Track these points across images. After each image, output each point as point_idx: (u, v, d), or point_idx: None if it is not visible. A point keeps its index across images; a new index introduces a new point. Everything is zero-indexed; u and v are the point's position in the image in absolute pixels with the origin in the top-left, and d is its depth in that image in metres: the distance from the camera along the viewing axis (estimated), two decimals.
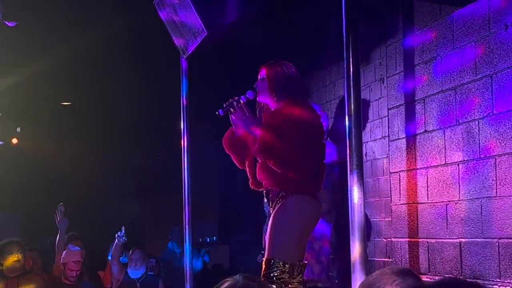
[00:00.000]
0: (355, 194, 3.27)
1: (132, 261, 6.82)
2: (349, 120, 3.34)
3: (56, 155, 9.80)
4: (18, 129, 10.30)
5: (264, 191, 4.21)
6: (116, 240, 6.52)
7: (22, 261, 5.81)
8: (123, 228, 6.52)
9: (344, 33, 3.44)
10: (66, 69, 8.11)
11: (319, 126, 4.14)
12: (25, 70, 7.91)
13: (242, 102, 4.17)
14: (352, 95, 3.35)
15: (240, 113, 4.10)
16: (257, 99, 4.27)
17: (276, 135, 3.93)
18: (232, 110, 4.16)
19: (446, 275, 4.14)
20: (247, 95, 4.22)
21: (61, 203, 6.32)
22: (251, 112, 4.20)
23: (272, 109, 4.21)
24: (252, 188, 4.34)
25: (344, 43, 3.45)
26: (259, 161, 4.14)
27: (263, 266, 3.95)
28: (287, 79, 4.17)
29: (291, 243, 3.95)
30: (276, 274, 3.88)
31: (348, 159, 3.26)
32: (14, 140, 10.30)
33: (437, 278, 4.25)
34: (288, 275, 3.89)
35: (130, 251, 6.98)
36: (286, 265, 3.89)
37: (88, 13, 6.91)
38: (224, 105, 4.19)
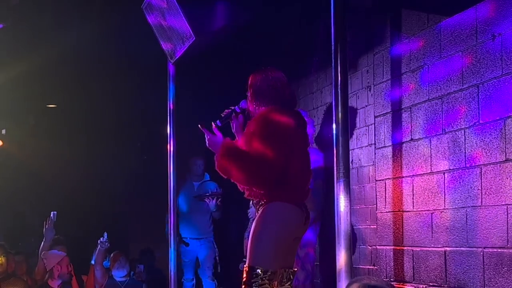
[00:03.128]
0: (342, 202, 3.27)
1: (115, 266, 6.79)
2: (336, 127, 3.33)
3: (41, 157, 9.72)
4: (3, 131, 10.22)
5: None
6: (99, 246, 6.49)
7: (5, 265, 5.78)
8: (105, 234, 6.49)
9: (332, 40, 3.44)
10: (52, 71, 8.06)
11: (296, 132, 4.01)
12: (10, 72, 7.85)
13: (236, 112, 4.15)
14: (339, 102, 3.35)
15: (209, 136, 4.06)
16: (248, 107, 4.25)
17: (248, 148, 3.89)
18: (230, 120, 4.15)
19: (431, 284, 4.15)
20: (241, 105, 4.19)
21: (55, 212, 6.28)
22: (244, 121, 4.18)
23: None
24: (245, 194, 4.30)
25: (333, 50, 3.45)
26: None
27: (244, 274, 3.93)
28: (267, 86, 4.09)
29: (270, 250, 3.90)
30: (257, 282, 3.86)
31: (335, 167, 3.25)
32: None
33: (421, 286, 4.26)
34: (268, 282, 3.86)
35: (112, 254, 6.95)
36: (268, 273, 3.86)
37: (75, 16, 6.89)
38: (222, 116, 4.16)
